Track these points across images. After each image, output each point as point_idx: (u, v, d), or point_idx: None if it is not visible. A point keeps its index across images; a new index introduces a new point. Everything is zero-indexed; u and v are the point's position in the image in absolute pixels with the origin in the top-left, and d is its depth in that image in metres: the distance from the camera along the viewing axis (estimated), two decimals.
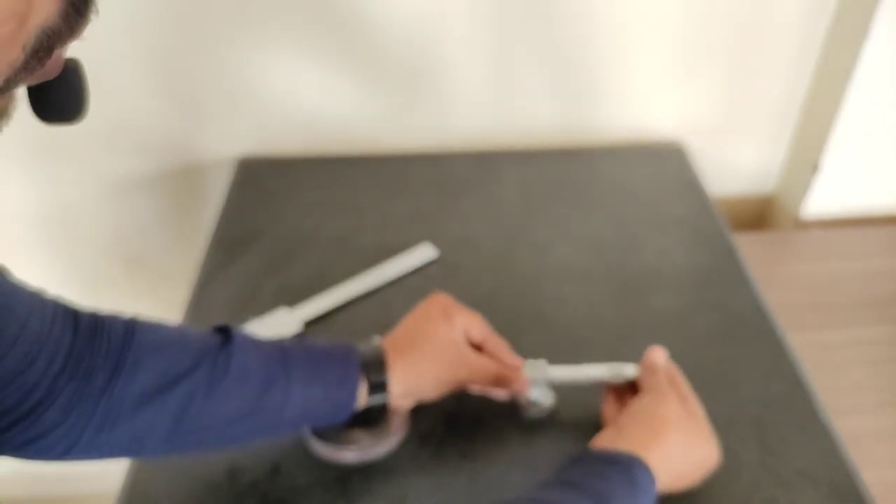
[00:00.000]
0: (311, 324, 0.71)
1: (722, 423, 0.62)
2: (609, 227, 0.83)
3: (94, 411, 0.44)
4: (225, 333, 0.52)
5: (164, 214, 1.01)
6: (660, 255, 0.79)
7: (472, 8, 0.85)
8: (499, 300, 0.74)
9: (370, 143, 0.96)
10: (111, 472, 0.59)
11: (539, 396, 0.60)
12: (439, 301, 0.59)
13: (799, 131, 0.98)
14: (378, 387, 0.54)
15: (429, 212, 0.86)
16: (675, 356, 0.68)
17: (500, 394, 0.61)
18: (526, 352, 0.68)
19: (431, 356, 0.56)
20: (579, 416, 0.62)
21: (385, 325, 0.60)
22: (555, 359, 0.68)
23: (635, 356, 0.68)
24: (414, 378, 0.56)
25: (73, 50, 0.92)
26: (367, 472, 0.58)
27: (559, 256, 0.79)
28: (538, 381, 0.59)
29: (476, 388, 0.61)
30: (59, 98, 0.27)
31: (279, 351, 0.53)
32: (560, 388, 0.61)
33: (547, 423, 0.61)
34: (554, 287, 0.76)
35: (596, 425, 0.61)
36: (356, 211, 0.86)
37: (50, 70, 0.24)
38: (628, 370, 0.59)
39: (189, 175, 0.98)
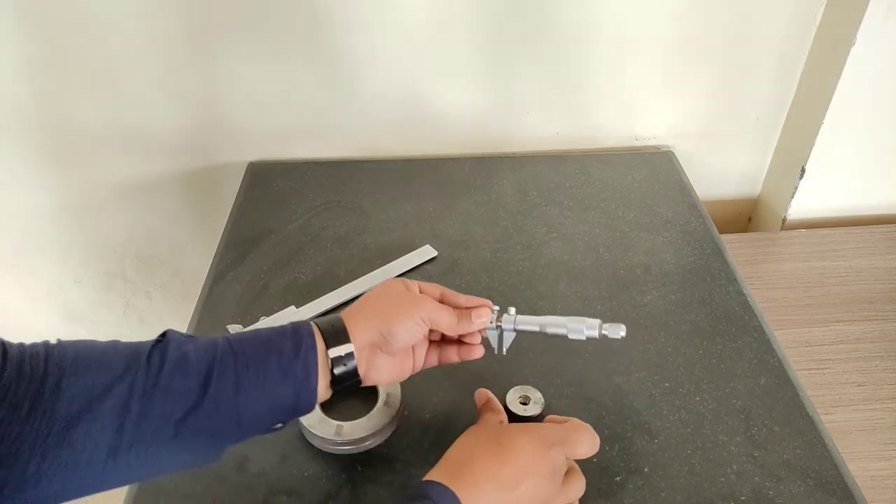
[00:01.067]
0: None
1: (710, 417, 0.61)
2: (601, 228, 0.82)
3: (26, 440, 0.40)
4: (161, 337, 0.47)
5: (177, 215, 1.00)
6: (650, 254, 0.78)
7: (472, 21, 0.84)
8: (495, 297, 0.72)
9: (374, 149, 0.96)
10: None
11: (507, 338, 0.56)
12: (395, 279, 0.56)
13: (785, 136, 0.97)
14: (340, 342, 0.48)
15: (430, 213, 0.85)
16: (665, 351, 0.67)
17: (477, 352, 0.56)
18: (522, 347, 0.67)
19: (389, 300, 0.52)
20: (572, 411, 0.61)
21: None
22: (549, 353, 0.67)
23: (626, 351, 0.67)
24: (376, 322, 0.50)
25: (94, 60, 0.90)
26: (370, 461, 0.57)
27: (553, 255, 0.78)
28: (508, 325, 0.55)
29: (454, 358, 0.56)
30: None
31: (223, 340, 0.47)
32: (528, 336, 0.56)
33: (540, 418, 0.60)
34: (548, 284, 0.74)
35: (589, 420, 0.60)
36: (361, 212, 0.86)
37: None
38: (590, 329, 0.53)
39: (202, 178, 0.97)
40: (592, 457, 0.57)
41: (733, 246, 0.87)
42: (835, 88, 0.84)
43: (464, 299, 0.55)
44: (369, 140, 0.95)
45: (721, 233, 0.81)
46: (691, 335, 0.68)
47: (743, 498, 0.54)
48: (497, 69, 0.89)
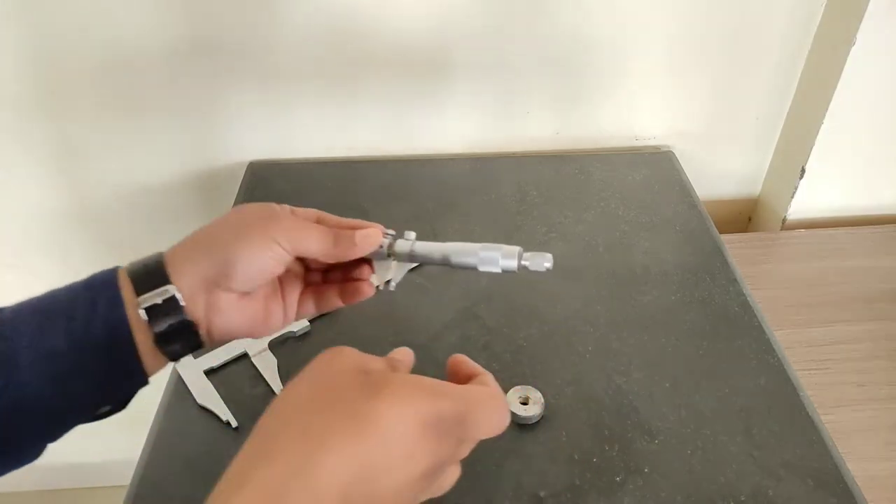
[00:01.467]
0: (317, 318, 0.70)
1: (710, 417, 0.60)
2: (601, 228, 0.82)
3: None
4: None
5: (177, 215, 1.00)
6: (650, 254, 0.78)
7: (472, 23, 0.84)
8: (495, 297, 0.73)
9: (374, 149, 0.95)
10: (123, 464, 0.58)
11: (399, 268, 0.44)
12: None
13: (785, 136, 0.96)
14: (155, 285, 0.35)
15: (430, 213, 0.85)
16: (665, 351, 0.67)
17: (365, 290, 0.43)
18: (521, 347, 0.67)
19: (234, 222, 0.38)
20: (572, 411, 0.61)
21: (388, 319, 0.59)
22: (549, 353, 0.67)
23: (627, 351, 0.67)
24: (209, 250, 0.37)
25: (93, 60, 0.90)
26: None
27: (553, 255, 0.78)
28: (402, 251, 0.43)
29: (335, 301, 0.43)
30: None
31: None
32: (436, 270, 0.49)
33: (541, 421, 0.60)
34: (548, 285, 0.74)
35: (587, 425, 0.60)
36: (360, 212, 0.85)
37: None
38: (507, 258, 0.41)
39: (202, 178, 0.97)
40: (593, 456, 0.57)
41: (733, 246, 0.87)
42: (835, 88, 0.84)
43: (347, 221, 0.42)
44: (369, 139, 0.95)
45: (721, 233, 0.81)
46: (691, 335, 0.68)
47: (743, 498, 0.54)
48: (497, 69, 0.89)
